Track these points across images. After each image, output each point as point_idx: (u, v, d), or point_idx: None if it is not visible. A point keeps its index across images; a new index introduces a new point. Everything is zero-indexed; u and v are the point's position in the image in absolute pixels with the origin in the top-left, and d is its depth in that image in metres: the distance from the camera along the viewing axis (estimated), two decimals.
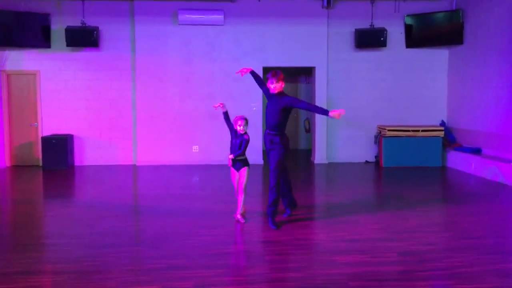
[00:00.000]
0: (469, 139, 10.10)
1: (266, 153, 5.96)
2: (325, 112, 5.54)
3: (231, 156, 5.67)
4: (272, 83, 5.65)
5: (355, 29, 10.67)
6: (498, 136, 9.05)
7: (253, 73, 5.91)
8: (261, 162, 10.78)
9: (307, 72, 12.73)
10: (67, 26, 10.10)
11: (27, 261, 4.53)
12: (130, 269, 4.32)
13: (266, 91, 5.84)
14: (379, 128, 10.83)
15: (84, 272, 4.24)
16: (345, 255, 4.65)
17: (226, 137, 10.46)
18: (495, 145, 9.15)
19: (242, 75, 5.93)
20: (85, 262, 4.49)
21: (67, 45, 10.14)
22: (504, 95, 8.85)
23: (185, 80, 10.73)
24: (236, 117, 5.72)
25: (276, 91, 5.68)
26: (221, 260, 4.55)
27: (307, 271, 4.26)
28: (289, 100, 5.68)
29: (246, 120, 5.72)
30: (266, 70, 11.14)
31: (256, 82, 5.97)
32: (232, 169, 5.80)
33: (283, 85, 5.73)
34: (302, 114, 13.58)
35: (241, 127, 5.65)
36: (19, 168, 10.32)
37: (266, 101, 6.15)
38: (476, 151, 9.60)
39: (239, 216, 5.82)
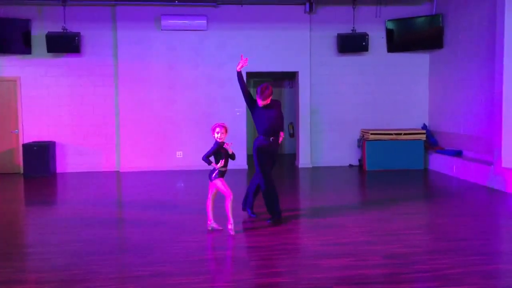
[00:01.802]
0: (451, 141, 10.24)
1: (268, 157, 6.06)
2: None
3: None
4: (260, 99, 5.84)
5: (337, 34, 10.76)
6: (479, 139, 9.19)
7: (240, 75, 5.94)
8: (245, 167, 10.77)
9: (291, 77, 12.78)
10: (48, 32, 10.00)
11: (9, 270, 4.46)
12: (115, 277, 4.28)
13: (250, 100, 5.98)
14: (362, 131, 10.92)
15: (68, 281, 4.18)
16: (330, 259, 4.67)
17: (210, 142, 10.46)
18: (476, 148, 9.28)
19: (240, 67, 5.84)
20: (69, 270, 4.42)
21: (48, 51, 10.03)
22: (484, 98, 8.99)
23: (168, 86, 10.69)
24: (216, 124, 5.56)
25: (262, 105, 5.93)
26: (207, 266, 4.53)
27: (292, 275, 4.27)
28: (280, 107, 6.12)
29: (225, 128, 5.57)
30: (249, 75, 11.18)
31: (241, 85, 5.97)
32: (222, 178, 5.54)
33: (270, 98, 5.96)
34: (286, 118, 13.60)
35: (219, 135, 5.48)
36: None
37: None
38: (458, 153, 9.73)
39: (215, 224, 5.66)
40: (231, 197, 5.50)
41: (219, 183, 5.51)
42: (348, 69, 11.09)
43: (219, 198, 5.71)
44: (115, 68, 10.63)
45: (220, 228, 5.65)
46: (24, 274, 4.43)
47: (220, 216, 5.74)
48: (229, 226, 5.52)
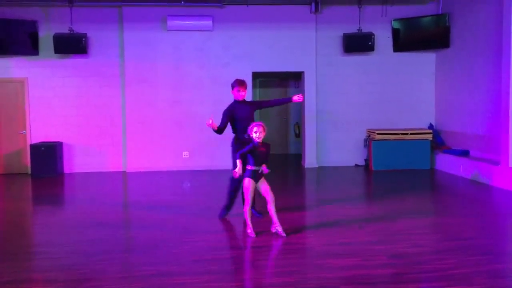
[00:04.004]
0: (457, 141, 10.20)
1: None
2: (288, 99, 6.43)
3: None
4: (239, 91, 6.16)
5: (343, 34, 10.74)
6: (485, 138, 9.14)
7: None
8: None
9: (296, 77, 12.78)
10: (55, 33, 10.05)
11: (16, 270, 4.49)
12: (122, 276, 4.30)
13: (231, 107, 6.17)
14: (369, 131, 10.89)
15: (75, 280, 4.20)
16: (336, 259, 4.66)
17: (215, 142, 10.51)
18: (482, 147, 9.24)
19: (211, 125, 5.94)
20: (75, 270, 4.45)
21: (55, 52, 10.09)
22: (490, 97, 8.95)
23: (174, 86, 10.72)
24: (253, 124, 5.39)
25: (243, 98, 6.21)
26: (213, 266, 4.54)
27: (299, 275, 4.27)
28: (257, 103, 6.57)
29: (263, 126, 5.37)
30: (255, 75, 11.20)
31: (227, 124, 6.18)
32: (250, 179, 5.35)
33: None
34: (292, 119, 13.62)
35: (257, 134, 5.28)
36: (8, 176, 10.22)
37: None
38: (464, 153, 9.69)
39: (280, 229, 5.42)
40: (248, 203, 5.38)
41: (246, 182, 5.35)
42: (354, 69, 11.07)
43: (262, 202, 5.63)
44: (121, 69, 10.68)
45: (284, 235, 5.40)
46: (30, 273, 4.46)
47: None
48: (248, 231, 5.43)
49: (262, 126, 5.32)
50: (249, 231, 5.44)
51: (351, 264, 4.53)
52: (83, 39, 10.09)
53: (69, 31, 10.16)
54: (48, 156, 10.07)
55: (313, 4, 10.40)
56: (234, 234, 5.57)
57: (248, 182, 5.34)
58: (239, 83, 6.16)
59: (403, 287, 3.98)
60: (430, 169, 10.45)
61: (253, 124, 5.37)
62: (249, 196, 5.37)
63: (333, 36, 10.93)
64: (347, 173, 10.30)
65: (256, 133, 5.28)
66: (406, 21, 10.81)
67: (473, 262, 4.53)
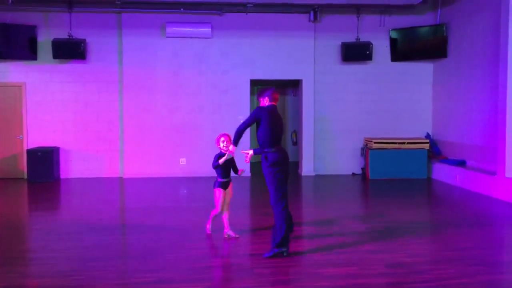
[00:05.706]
0: (454, 151, 10.23)
1: (280, 170, 5.10)
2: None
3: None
4: (265, 99, 5.24)
5: (342, 43, 10.79)
6: (482, 148, 9.18)
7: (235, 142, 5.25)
8: (249, 174, 10.77)
9: (294, 85, 12.81)
10: (54, 38, 10.06)
11: (12, 275, 4.46)
12: (117, 283, 4.28)
13: (259, 110, 5.23)
14: (366, 140, 10.91)
15: (71, 287, 4.18)
16: (333, 268, 4.66)
17: (213, 150, 10.48)
18: (479, 157, 9.27)
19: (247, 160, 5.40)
20: (71, 276, 4.43)
21: (54, 57, 10.09)
22: (487, 107, 8.99)
23: (172, 93, 10.73)
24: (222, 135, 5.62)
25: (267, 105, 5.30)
26: (209, 274, 4.53)
27: (295, 284, 4.26)
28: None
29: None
30: (253, 82, 11.23)
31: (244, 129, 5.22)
32: (221, 189, 5.62)
33: (265, 99, 5.25)
34: (289, 126, 13.64)
35: (224, 143, 5.53)
36: (4, 181, 10.17)
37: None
38: (461, 163, 9.71)
39: (231, 232, 5.70)
40: (217, 213, 5.68)
41: (217, 193, 5.64)
42: (352, 77, 11.11)
43: (232, 205, 5.73)
44: (119, 75, 10.68)
45: (237, 236, 5.66)
46: (27, 279, 4.44)
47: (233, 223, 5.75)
48: (207, 226, 5.84)
49: (228, 136, 5.57)
50: (207, 226, 5.83)
51: (349, 273, 4.52)
52: (82, 44, 10.09)
53: (68, 37, 10.16)
54: (44, 161, 10.03)
55: (312, 13, 10.46)
56: (232, 242, 5.56)
57: (219, 192, 5.61)
58: (264, 95, 5.29)
59: None
60: (427, 178, 10.46)
61: (220, 134, 5.62)
62: (219, 204, 5.61)
63: (331, 45, 10.98)
64: (344, 181, 10.31)
65: (223, 143, 5.53)
66: (404, 31, 10.87)
67: (471, 272, 4.53)
